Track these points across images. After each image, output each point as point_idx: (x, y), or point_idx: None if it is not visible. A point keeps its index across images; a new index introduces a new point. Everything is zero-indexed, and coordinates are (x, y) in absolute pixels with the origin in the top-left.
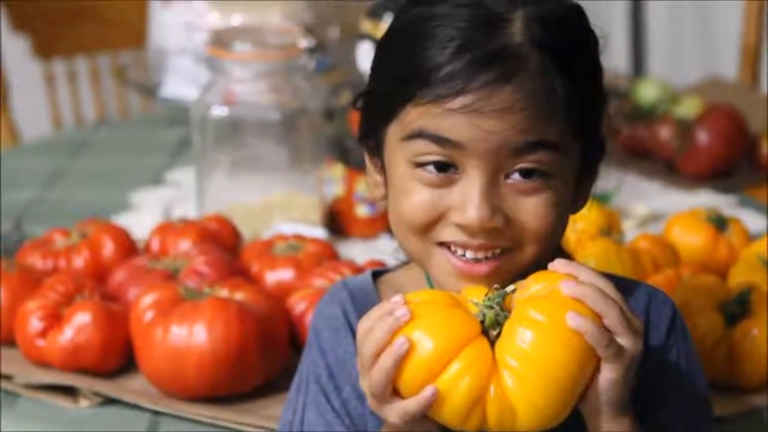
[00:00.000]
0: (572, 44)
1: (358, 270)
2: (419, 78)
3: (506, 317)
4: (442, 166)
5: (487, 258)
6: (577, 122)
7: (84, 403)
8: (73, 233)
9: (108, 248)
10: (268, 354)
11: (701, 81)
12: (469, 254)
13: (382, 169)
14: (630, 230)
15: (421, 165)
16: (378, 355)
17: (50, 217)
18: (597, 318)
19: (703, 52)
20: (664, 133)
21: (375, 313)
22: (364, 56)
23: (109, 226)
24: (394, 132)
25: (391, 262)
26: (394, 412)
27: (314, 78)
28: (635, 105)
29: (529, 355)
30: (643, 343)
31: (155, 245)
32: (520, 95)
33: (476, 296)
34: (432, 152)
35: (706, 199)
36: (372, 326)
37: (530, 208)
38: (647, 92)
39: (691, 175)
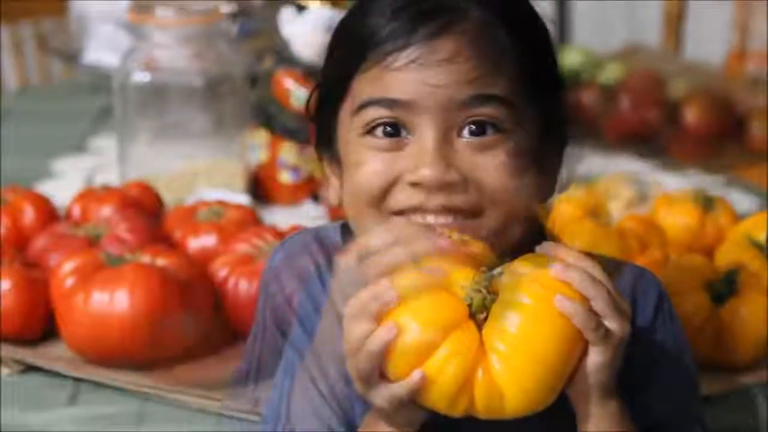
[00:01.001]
0: (513, 2)
1: (280, 235)
2: (363, 44)
3: (493, 300)
4: (392, 131)
5: (447, 223)
6: (526, 82)
7: (5, 370)
8: None
9: (28, 215)
10: (190, 320)
11: (624, 47)
12: (429, 219)
13: (339, 170)
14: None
15: (371, 131)
16: (365, 339)
17: None
18: (585, 301)
19: (627, 18)
20: (588, 98)
21: (362, 296)
22: (287, 21)
23: (29, 194)
24: (345, 112)
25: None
26: (381, 396)
27: (237, 43)
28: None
29: (517, 338)
30: (630, 323)
31: (76, 212)
32: (463, 45)
33: (463, 278)
34: (381, 116)
35: (628, 163)
36: (359, 311)
37: (485, 163)
38: (571, 59)
39: (614, 139)
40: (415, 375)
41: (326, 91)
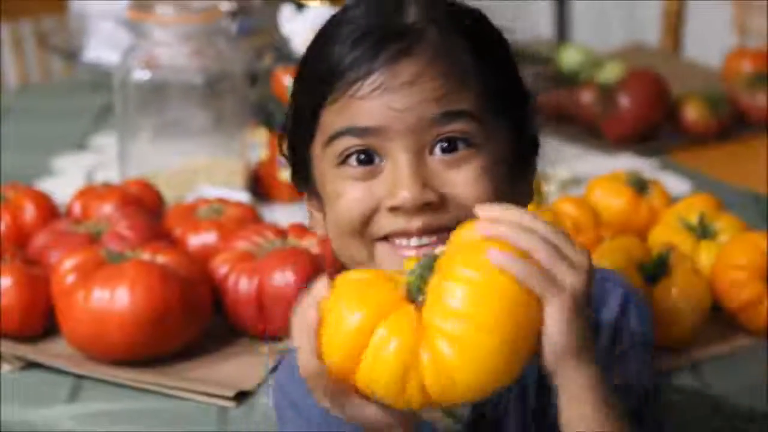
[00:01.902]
0: (470, 18)
1: (280, 232)
2: (329, 75)
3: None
4: (365, 159)
5: (431, 243)
6: (491, 98)
7: (6, 367)
8: None
9: (29, 212)
10: (190, 317)
11: (624, 46)
12: (413, 241)
13: (319, 203)
14: (552, 194)
15: (344, 161)
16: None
17: None
18: (525, 254)
19: (626, 18)
20: (587, 97)
21: (302, 304)
22: (287, 19)
23: (30, 191)
24: (317, 145)
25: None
26: (322, 397)
27: (237, 41)
28: (558, 70)
29: (462, 312)
30: (608, 351)
31: (77, 209)
32: (424, 66)
33: (410, 266)
34: (352, 145)
35: (627, 162)
36: (301, 314)
37: (460, 180)
38: (570, 58)
39: (614, 139)
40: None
41: (296, 125)
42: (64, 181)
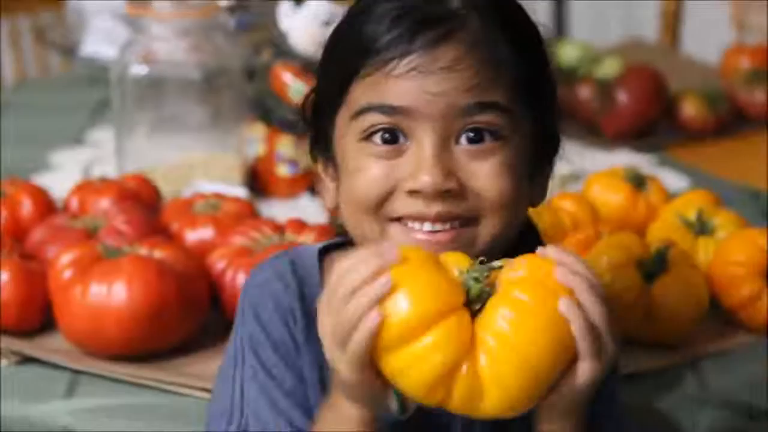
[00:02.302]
0: (510, 8)
1: (278, 228)
2: (362, 50)
3: (490, 294)
4: (390, 138)
5: (445, 230)
6: (523, 89)
7: (3, 362)
8: None
9: (26, 207)
10: (187, 312)
11: (622, 42)
12: (427, 226)
13: (335, 173)
14: (550, 190)
15: (369, 137)
16: (355, 292)
17: None
18: (584, 311)
19: (624, 14)
20: (585, 93)
21: (361, 252)
22: (285, 15)
23: (27, 186)
24: (343, 117)
25: (310, 221)
26: (346, 359)
27: (235, 36)
28: (556, 66)
29: (508, 335)
30: None
31: (74, 204)
32: (463, 53)
33: (458, 262)
34: (379, 122)
35: (626, 158)
36: (355, 264)
37: (484, 172)
38: (568, 54)
39: (612, 134)
40: (371, 316)
41: (323, 95)
42: (62, 175)
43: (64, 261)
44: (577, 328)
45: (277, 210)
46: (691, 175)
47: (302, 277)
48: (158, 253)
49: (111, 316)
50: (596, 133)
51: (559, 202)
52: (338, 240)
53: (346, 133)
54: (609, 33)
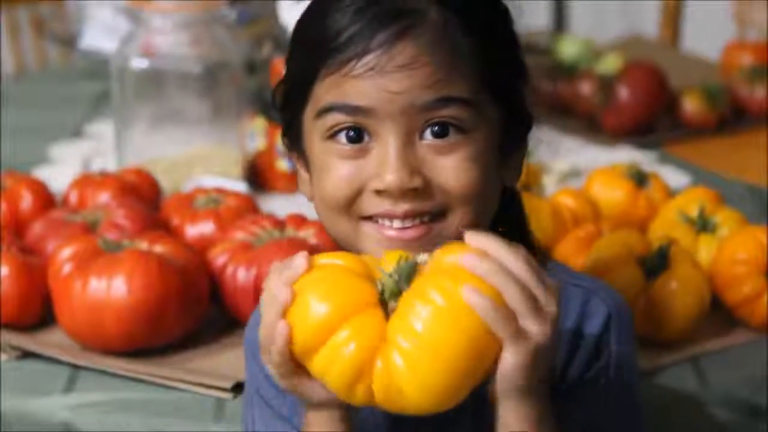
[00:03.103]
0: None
1: (278, 223)
2: (324, 47)
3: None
4: (354, 137)
5: (414, 226)
6: (488, 80)
7: (3, 356)
8: None
9: (26, 201)
10: (188, 307)
11: (622, 38)
12: (396, 223)
13: (306, 165)
14: (551, 185)
15: (333, 136)
16: (265, 306)
17: None
18: (498, 296)
19: (624, 9)
20: (586, 89)
21: (275, 266)
22: (286, 8)
23: (27, 179)
24: (308, 116)
25: (312, 215)
26: (271, 367)
27: (236, 30)
28: (557, 61)
29: (422, 337)
30: (575, 341)
31: (73, 198)
32: (422, 50)
33: (393, 262)
34: (342, 122)
35: (626, 154)
36: (270, 277)
37: (449, 166)
38: (569, 49)
39: (613, 130)
40: (279, 326)
41: (290, 90)
42: (61, 169)
43: (63, 255)
44: (486, 315)
45: (277, 204)
46: (692, 172)
47: None
48: (158, 248)
49: (111, 311)
50: (596, 129)
51: (560, 198)
52: None
53: (312, 130)
54: (609, 29)
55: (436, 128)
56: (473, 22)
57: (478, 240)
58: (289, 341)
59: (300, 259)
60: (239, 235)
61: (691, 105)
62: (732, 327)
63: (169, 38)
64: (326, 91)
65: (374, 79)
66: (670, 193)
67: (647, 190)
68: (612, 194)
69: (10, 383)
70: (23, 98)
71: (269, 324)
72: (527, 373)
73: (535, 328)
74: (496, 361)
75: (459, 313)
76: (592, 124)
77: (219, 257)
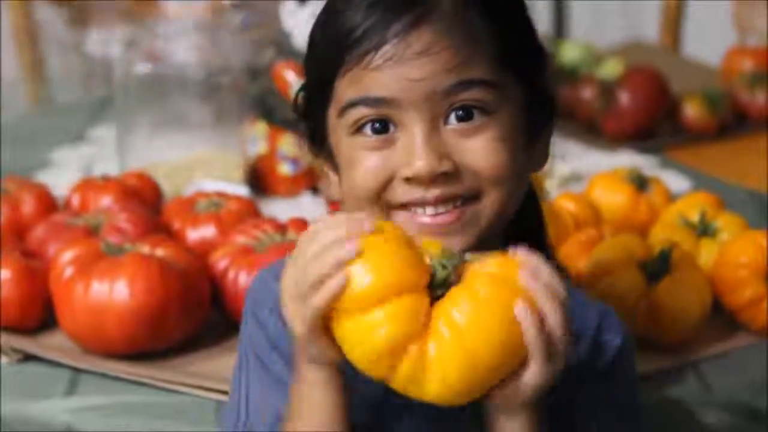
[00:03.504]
0: None
1: (279, 227)
2: (341, 44)
3: (454, 282)
4: (380, 128)
5: (447, 210)
6: (508, 62)
7: (4, 359)
8: None
9: (28, 205)
10: (189, 310)
11: (623, 43)
12: (429, 210)
13: (335, 166)
14: (552, 190)
15: (358, 130)
16: (330, 246)
17: None
18: (542, 317)
19: (625, 14)
20: (587, 93)
21: (337, 216)
22: (289, 13)
23: (28, 184)
24: (332, 114)
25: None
26: (302, 314)
27: (238, 35)
28: (558, 66)
29: (462, 329)
30: (588, 366)
31: (75, 202)
32: (438, 35)
33: (433, 248)
34: (366, 116)
35: (627, 159)
36: (329, 224)
37: (477, 148)
38: (569, 54)
39: (613, 135)
40: (338, 276)
41: (311, 91)
42: (62, 173)
43: (65, 258)
44: (529, 333)
45: (279, 208)
46: (693, 177)
47: None
48: (160, 252)
49: (112, 314)
50: (597, 134)
51: (562, 202)
52: None
53: (336, 128)
54: (609, 33)
55: (460, 112)
56: (489, 4)
57: (525, 257)
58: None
59: (366, 218)
60: (240, 239)
61: (692, 110)
62: (733, 331)
63: (172, 43)
64: (347, 87)
65: (394, 69)
66: (671, 198)
67: (648, 195)
68: (613, 198)
69: (12, 386)
70: (25, 102)
71: (321, 271)
72: (541, 391)
73: (561, 354)
74: (509, 375)
75: (502, 317)
76: (592, 129)
77: (220, 261)
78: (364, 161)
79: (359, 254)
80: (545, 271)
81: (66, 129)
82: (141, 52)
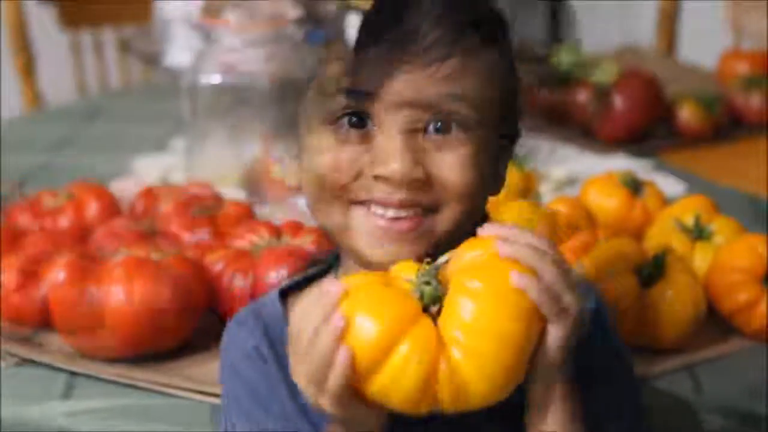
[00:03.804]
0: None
1: (275, 230)
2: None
3: (444, 291)
4: (357, 123)
5: (407, 216)
6: (491, 82)
7: (2, 363)
8: (60, 195)
9: (91, 209)
10: (184, 314)
11: (618, 47)
12: (390, 212)
13: (297, 152)
14: (547, 193)
15: (336, 121)
16: (315, 336)
17: (55, 181)
18: (537, 276)
19: (620, 19)
20: (582, 97)
21: (307, 296)
22: (353, 27)
23: (94, 189)
24: (312, 98)
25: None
26: (328, 397)
27: (305, 50)
28: (554, 70)
29: (474, 325)
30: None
31: (139, 208)
32: (433, 44)
33: (408, 273)
34: (348, 106)
35: (622, 162)
36: (305, 310)
37: (450, 163)
38: (563, 58)
39: (608, 139)
40: (341, 354)
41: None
42: (139, 180)
43: (60, 263)
44: (535, 295)
45: (273, 212)
46: (688, 180)
47: (266, 321)
48: (155, 255)
49: (106, 318)
50: (592, 137)
51: (556, 205)
52: (299, 278)
53: (314, 112)
54: (605, 37)
55: (440, 124)
56: (482, 23)
57: (496, 229)
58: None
59: (332, 285)
60: (236, 243)
61: (687, 113)
62: (728, 335)
63: (240, 55)
64: (335, 74)
65: (384, 69)
66: (666, 202)
67: (642, 198)
68: (607, 202)
69: (9, 390)
70: (111, 114)
71: (324, 354)
72: (566, 347)
73: (573, 303)
74: (538, 343)
75: (504, 296)
76: (587, 133)
77: (216, 264)
78: (336, 152)
79: (350, 319)
80: (520, 234)
81: (149, 139)
82: (212, 63)
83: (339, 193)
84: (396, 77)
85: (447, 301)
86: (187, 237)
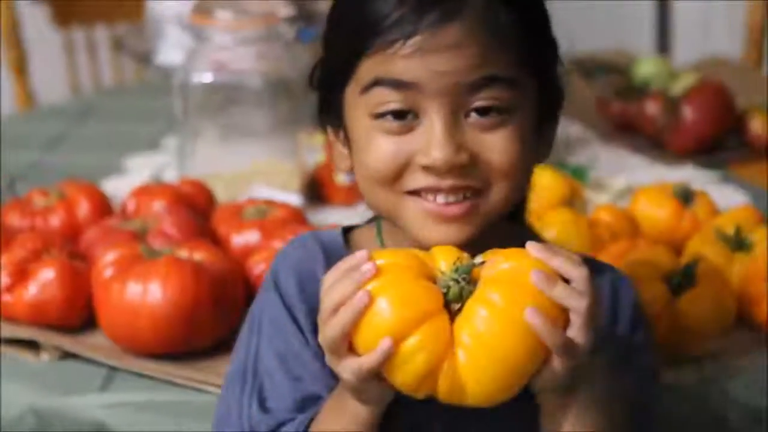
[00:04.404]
0: None
1: None
2: (370, 29)
3: (470, 292)
4: (400, 114)
5: (458, 201)
6: (528, 57)
7: (45, 356)
8: (52, 194)
9: (83, 209)
10: (223, 313)
11: (702, 59)
12: (441, 198)
13: (346, 140)
14: (606, 203)
15: (380, 115)
16: (338, 308)
17: (47, 179)
18: (558, 312)
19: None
20: (652, 108)
21: (340, 267)
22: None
23: (86, 188)
24: (352, 91)
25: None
26: (349, 368)
27: (296, 48)
28: (628, 82)
29: (481, 335)
30: (610, 331)
31: (131, 207)
32: (467, 31)
33: (445, 257)
34: (390, 100)
35: (689, 173)
36: (336, 280)
37: (494, 144)
38: (643, 69)
39: (678, 150)
40: (384, 343)
41: (331, 68)
42: (131, 179)
43: (106, 260)
44: (543, 336)
45: (336, 218)
46: (752, 192)
47: (327, 245)
48: (198, 256)
49: (146, 315)
50: (662, 148)
51: (599, 214)
52: (361, 224)
53: (356, 106)
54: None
55: (479, 106)
56: (514, 3)
57: (541, 252)
58: (358, 336)
59: (367, 263)
60: (279, 244)
61: (758, 124)
62: (759, 344)
63: (231, 54)
64: (373, 67)
65: (421, 59)
66: (717, 212)
67: (693, 209)
68: (656, 212)
69: (51, 382)
70: (102, 112)
71: (342, 326)
72: (572, 376)
73: (584, 340)
74: (543, 364)
75: (517, 319)
76: (657, 144)
77: (257, 265)
78: (380, 145)
79: (373, 300)
80: (559, 261)
81: (141, 137)
82: (203, 62)
83: (389, 183)
84: (431, 69)
85: (468, 304)
86: (235, 238)
